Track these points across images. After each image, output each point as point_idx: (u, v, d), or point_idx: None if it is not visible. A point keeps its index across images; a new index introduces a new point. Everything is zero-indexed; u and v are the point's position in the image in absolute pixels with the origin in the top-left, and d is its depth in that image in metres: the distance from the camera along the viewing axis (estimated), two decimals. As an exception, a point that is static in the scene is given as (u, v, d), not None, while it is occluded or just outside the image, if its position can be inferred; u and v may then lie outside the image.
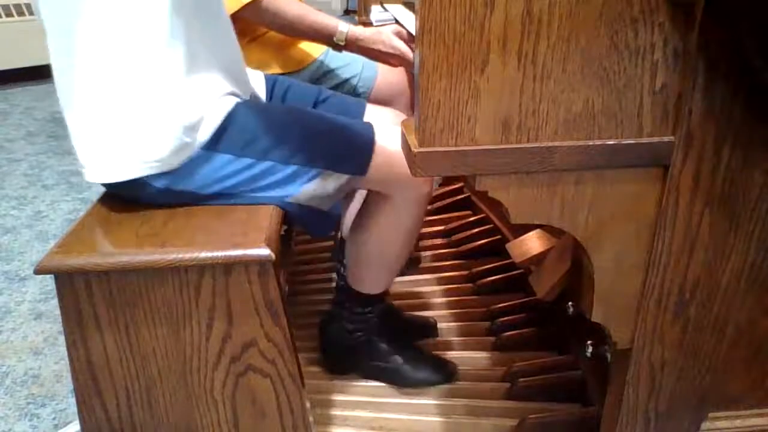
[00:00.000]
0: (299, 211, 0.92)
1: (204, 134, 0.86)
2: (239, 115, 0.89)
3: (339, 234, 1.38)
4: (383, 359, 1.20)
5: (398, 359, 1.20)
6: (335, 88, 1.34)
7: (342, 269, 1.21)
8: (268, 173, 0.88)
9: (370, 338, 1.20)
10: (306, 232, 1.36)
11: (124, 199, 0.89)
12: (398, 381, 1.19)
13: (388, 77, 1.38)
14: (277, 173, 0.88)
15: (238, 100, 0.92)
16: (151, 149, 0.83)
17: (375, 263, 1.11)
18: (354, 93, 1.36)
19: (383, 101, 1.33)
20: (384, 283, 1.16)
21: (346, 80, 1.36)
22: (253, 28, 1.29)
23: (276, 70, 1.30)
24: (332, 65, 1.35)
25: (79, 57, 0.80)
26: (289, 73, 1.31)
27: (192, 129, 0.84)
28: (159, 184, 0.85)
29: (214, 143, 0.86)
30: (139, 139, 0.82)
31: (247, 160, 0.87)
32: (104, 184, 0.89)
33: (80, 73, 0.81)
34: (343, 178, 0.93)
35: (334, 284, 1.46)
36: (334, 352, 1.24)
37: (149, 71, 0.81)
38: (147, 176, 0.84)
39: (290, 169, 0.89)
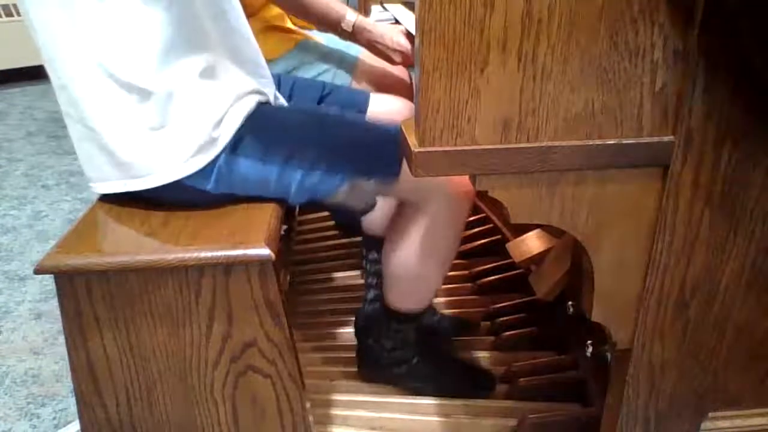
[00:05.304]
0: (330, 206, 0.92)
1: (227, 134, 0.83)
2: (259, 117, 0.87)
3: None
4: (422, 380, 1.16)
5: (439, 376, 1.16)
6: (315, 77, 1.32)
7: (372, 279, 1.17)
8: (293, 180, 0.86)
9: (409, 360, 1.15)
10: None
11: (149, 200, 0.87)
12: (437, 394, 1.15)
13: (367, 69, 1.36)
14: (303, 179, 0.86)
15: (260, 98, 0.90)
16: (178, 151, 0.81)
17: (412, 281, 1.03)
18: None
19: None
20: (424, 300, 1.09)
21: (321, 73, 1.34)
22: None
23: None
24: (305, 59, 1.34)
25: (89, 62, 0.77)
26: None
27: (218, 124, 0.82)
28: (198, 185, 0.83)
29: (236, 146, 0.84)
30: (166, 141, 0.80)
31: (272, 167, 0.85)
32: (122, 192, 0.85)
33: (92, 80, 0.78)
34: (372, 184, 0.89)
35: (362, 280, 1.41)
36: (371, 368, 1.19)
37: (171, 72, 0.79)
38: (183, 178, 0.82)
39: (315, 176, 0.86)
